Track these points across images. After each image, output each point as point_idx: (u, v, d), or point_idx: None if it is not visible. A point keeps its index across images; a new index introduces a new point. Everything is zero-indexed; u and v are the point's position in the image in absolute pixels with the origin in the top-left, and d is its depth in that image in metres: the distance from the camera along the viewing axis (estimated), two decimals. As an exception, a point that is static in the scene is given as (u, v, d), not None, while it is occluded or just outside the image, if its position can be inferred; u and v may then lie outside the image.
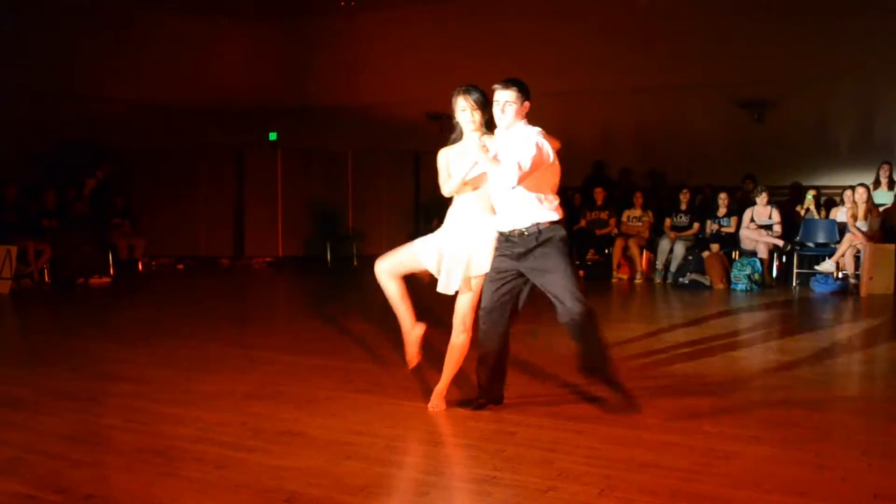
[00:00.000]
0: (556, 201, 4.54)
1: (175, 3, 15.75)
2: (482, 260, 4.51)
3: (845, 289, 10.49)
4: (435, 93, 16.23)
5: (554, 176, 4.55)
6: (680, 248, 11.61)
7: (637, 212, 12.39)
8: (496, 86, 4.46)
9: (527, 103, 4.50)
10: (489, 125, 4.52)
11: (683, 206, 12.13)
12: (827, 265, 10.94)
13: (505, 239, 4.49)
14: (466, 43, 15.58)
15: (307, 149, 15.23)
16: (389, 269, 4.60)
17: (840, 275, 10.79)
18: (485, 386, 4.64)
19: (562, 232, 4.51)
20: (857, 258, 10.56)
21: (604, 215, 12.55)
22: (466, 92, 4.52)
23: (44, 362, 6.01)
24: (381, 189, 14.93)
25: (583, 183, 13.99)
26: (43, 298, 10.23)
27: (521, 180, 4.27)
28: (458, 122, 4.57)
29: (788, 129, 13.46)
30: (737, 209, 11.87)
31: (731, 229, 11.69)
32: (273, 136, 16.46)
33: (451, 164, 4.59)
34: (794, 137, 13.42)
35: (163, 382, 5.34)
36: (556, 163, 4.51)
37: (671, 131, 14.16)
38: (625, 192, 13.33)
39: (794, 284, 11.27)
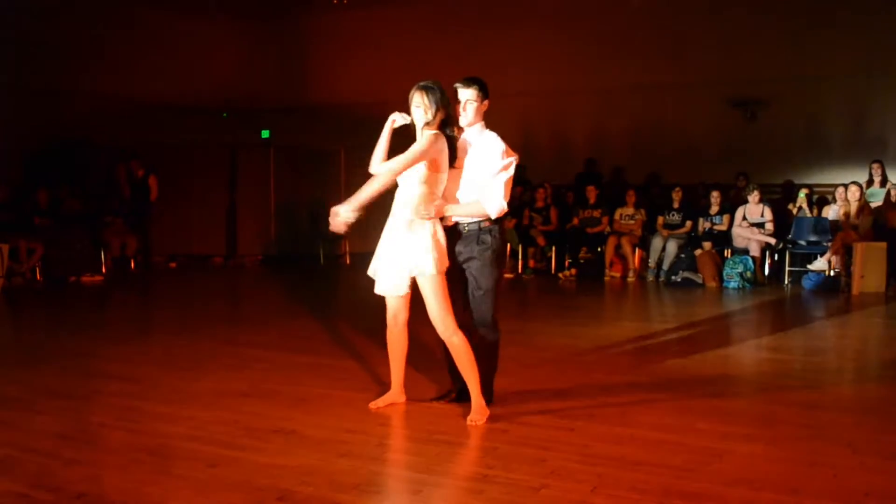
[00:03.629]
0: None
1: (167, 1, 15.70)
2: (425, 261, 4.32)
3: (837, 287, 10.52)
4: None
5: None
6: (672, 246, 11.63)
7: (629, 210, 12.40)
8: (457, 84, 4.51)
9: (486, 102, 4.56)
10: (446, 123, 4.41)
11: (676, 205, 12.14)
12: (819, 263, 10.97)
13: (452, 232, 4.51)
14: (459, 40, 15.56)
15: (300, 147, 15.21)
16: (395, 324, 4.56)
17: (832, 273, 10.83)
18: (455, 378, 4.70)
19: (498, 242, 4.52)
20: (848, 256, 10.59)
21: (596, 213, 12.56)
22: (421, 87, 4.38)
23: (36, 360, 5.99)
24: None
25: (574, 181, 14.00)
26: (35, 296, 10.20)
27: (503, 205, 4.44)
28: (412, 118, 4.44)
29: (780, 128, 13.51)
30: (729, 207, 11.90)
31: (724, 227, 11.72)
32: (265, 134, 16.43)
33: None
34: (786, 136, 13.47)
35: (155, 381, 5.33)
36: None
37: (664, 130, 14.18)
38: (617, 191, 13.35)
39: (785, 282, 11.30)
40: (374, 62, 16.36)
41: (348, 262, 14.21)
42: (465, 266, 4.51)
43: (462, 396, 4.64)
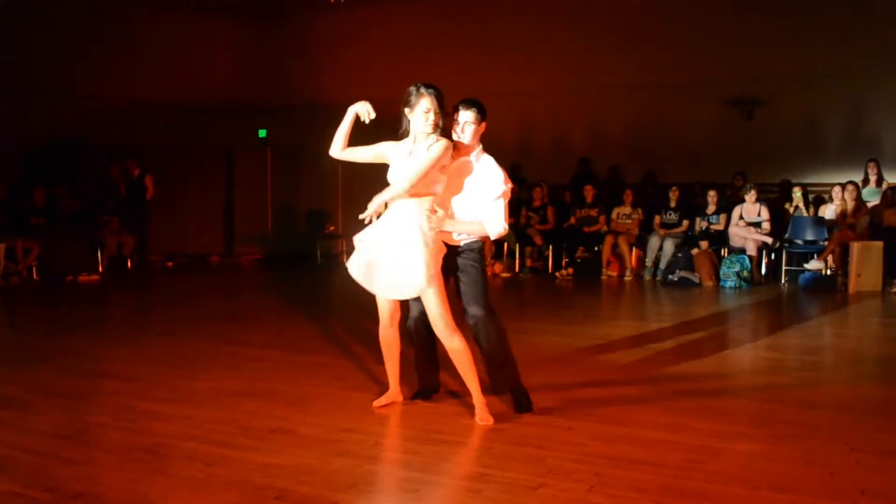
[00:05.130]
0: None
1: (165, 1, 15.68)
2: (424, 273, 4.22)
3: (833, 286, 10.53)
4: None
5: None
6: (669, 246, 11.63)
7: (627, 209, 12.41)
8: (459, 104, 4.49)
9: (484, 124, 4.54)
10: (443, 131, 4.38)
11: (673, 204, 12.15)
12: (815, 262, 10.99)
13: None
14: (456, 40, 15.57)
15: (297, 146, 15.21)
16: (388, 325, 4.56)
17: (828, 272, 10.84)
18: (423, 376, 4.86)
19: (480, 244, 4.64)
20: (845, 255, 10.60)
21: (593, 213, 12.56)
22: (434, 93, 4.28)
23: (32, 360, 5.98)
24: (369, 187, 14.88)
25: (571, 181, 14.01)
26: (31, 296, 10.18)
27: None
28: (409, 119, 4.37)
29: (777, 127, 13.50)
30: (726, 206, 11.91)
31: (721, 227, 11.73)
32: (262, 133, 16.43)
33: (394, 165, 4.45)
34: (782, 135, 13.46)
35: (152, 380, 5.33)
36: None
37: (661, 129, 14.18)
38: (614, 190, 13.35)
39: (782, 281, 11.31)
40: (372, 62, 16.34)
41: (345, 260, 14.18)
42: (458, 274, 4.54)
43: (425, 395, 4.82)
